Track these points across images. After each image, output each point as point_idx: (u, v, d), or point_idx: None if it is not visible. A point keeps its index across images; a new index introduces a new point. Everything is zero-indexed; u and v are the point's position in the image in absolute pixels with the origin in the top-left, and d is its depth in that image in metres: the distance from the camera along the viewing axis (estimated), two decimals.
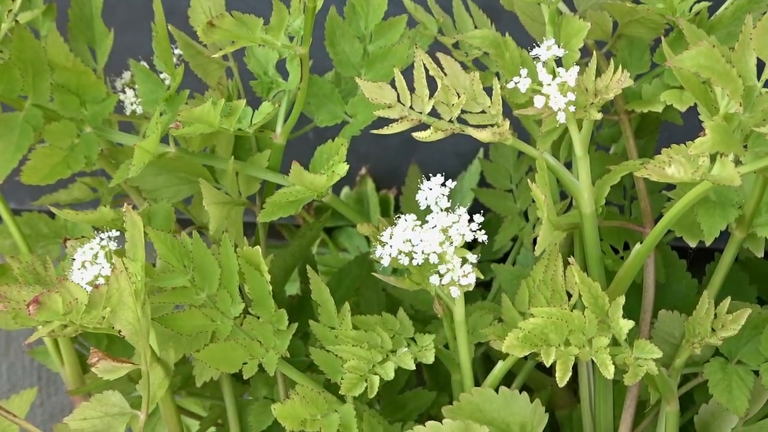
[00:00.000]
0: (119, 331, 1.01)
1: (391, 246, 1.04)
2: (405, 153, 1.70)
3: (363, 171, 1.74)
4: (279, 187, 1.20)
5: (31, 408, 1.30)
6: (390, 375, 1.11)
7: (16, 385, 1.99)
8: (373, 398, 1.13)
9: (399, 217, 1.06)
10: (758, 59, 0.96)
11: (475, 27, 1.24)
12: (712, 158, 0.96)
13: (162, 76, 1.23)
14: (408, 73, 1.06)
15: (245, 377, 1.13)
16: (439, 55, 1.07)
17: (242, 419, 1.31)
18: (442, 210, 1.05)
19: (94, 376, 1.24)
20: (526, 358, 1.07)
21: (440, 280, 1.04)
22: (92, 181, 1.43)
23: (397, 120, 1.05)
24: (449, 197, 1.05)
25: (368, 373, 1.11)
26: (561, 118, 1.02)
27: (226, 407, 1.32)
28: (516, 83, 1.03)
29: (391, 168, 1.73)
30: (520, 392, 1.11)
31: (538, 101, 1.02)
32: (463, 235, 1.03)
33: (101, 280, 1.04)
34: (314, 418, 1.10)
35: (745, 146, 0.99)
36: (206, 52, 1.28)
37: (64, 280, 1.02)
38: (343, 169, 1.14)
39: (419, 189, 1.06)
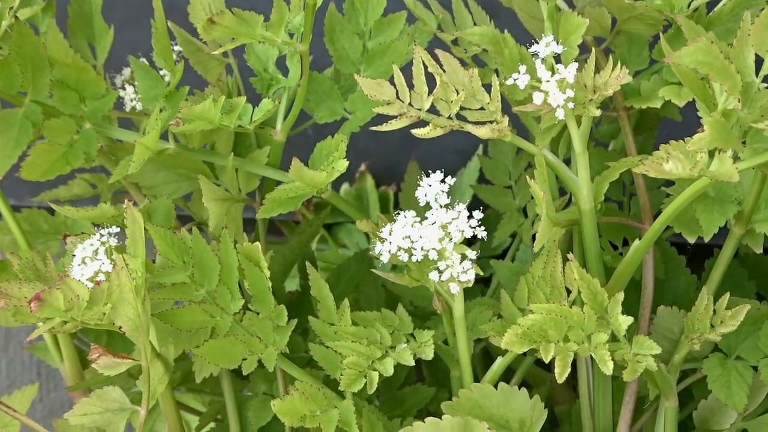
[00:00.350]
0: (120, 327, 1.01)
1: (390, 242, 1.05)
2: (404, 150, 1.70)
3: (362, 167, 1.74)
4: (279, 183, 1.20)
5: (31, 404, 1.30)
6: (389, 371, 1.11)
7: (15, 381, 1.99)
8: (373, 394, 1.14)
9: (398, 213, 1.06)
10: (756, 55, 0.96)
11: (474, 24, 1.24)
12: (711, 154, 0.96)
13: (162, 72, 1.23)
14: (407, 69, 1.06)
15: (245, 373, 1.13)
16: (438, 51, 1.07)
17: (241, 415, 1.31)
18: (441, 206, 1.05)
19: (94, 372, 1.24)
20: (525, 354, 1.07)
21: (439, 277, 1.04)
22: (92, 177, 1.43)
23: (396, 117, 1.05)
24: (448, 194, 1.06)
25: (367, 369, 1.11)
26: (560, 114, 1.02)
27: (225, 403, 1.32)
28: (515, 80, 1.03)
29: (390, 164, 1.73)
30: (520, 388, 1.11)
31: (537, 98, 1.02)
32: (463, 231, 1.03)
33: (101, 277, 1.05)
34: (313, 414, 1.10)
35: (744, 142, 0.99)
36: (206, 48, 1.28)
37: (65, 276, 1.03)
38: (342, 165, 1.14)
39: (419, 185, 1.06)
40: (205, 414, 1.39)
